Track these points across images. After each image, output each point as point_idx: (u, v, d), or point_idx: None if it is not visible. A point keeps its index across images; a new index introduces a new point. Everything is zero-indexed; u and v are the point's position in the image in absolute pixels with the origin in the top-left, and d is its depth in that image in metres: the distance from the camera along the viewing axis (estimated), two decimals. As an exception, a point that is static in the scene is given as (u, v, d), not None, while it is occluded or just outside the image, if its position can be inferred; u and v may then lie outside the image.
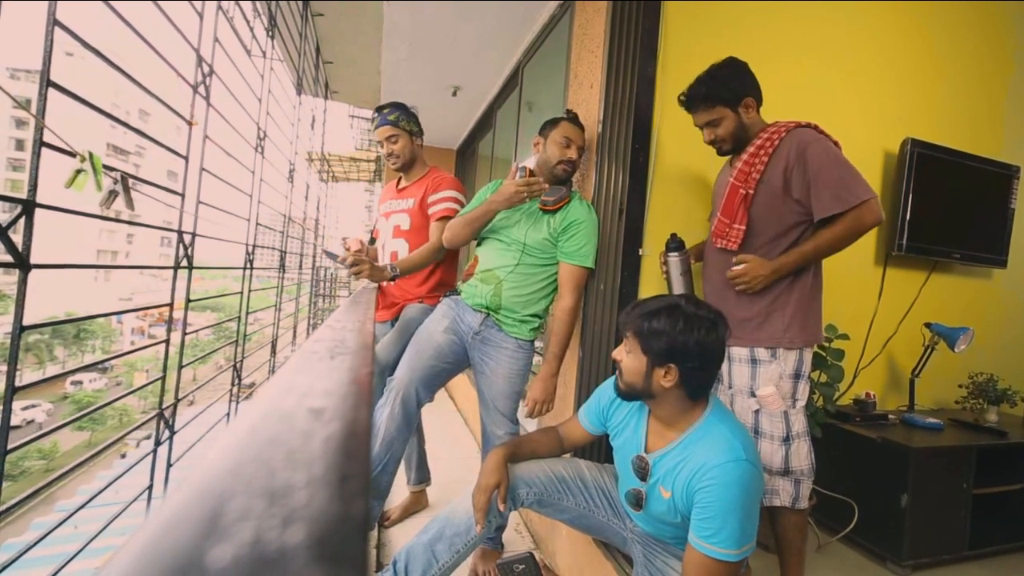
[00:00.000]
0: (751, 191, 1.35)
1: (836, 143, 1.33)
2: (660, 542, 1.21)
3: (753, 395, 1.36)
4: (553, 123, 1.67)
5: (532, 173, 1.62)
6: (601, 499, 1.33)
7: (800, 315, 1.33)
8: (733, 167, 1.42)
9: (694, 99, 1.40)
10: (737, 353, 1.40)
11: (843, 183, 1.25)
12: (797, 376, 1.34)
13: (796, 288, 1.34)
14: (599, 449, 1.66)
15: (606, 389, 1.31)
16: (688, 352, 1.01)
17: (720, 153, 1.46)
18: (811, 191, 1.28)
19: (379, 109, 1.89)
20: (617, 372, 1.14)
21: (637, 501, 1.17)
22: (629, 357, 1.09)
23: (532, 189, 1.50)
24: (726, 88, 1.36)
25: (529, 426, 2.07)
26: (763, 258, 1.33)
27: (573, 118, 1.68)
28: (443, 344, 1.61)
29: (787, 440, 1.33)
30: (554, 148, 1.63)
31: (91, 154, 1.26)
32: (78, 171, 1.24)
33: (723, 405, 1.14)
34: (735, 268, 1.35)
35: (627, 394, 1.13)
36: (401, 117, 1.87)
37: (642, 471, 1.14)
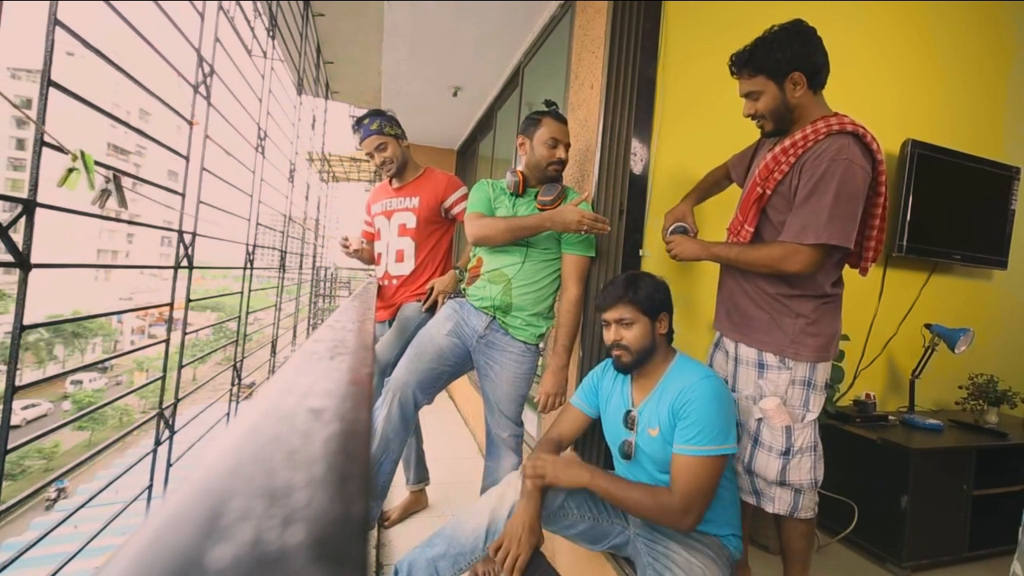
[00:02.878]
0: (768, 191, 1.25)
1: (880, 161, 1.18)
2: (659, 532, 1.21)
3: (757, 402, 1.29)
4: (535, 122, 1.61)
5: (524, 176, 1.63)
6: (605, 503, 1.33)
7: (812, 329, 1.24)
8: (766, 153, 1.31)
9: (737, 63, 1.24)
10: (745, 354, 1.32)
11: (817, 218, 1.14)
12: (809, 384, 1.26)
13: (810, 301, 1.25)
14: (598, 450, 1.66)
15: (594, 370, 1.44)
16: (667, 296, 1.28)
17: (763, 133, 1.31)
18: (795, 208, 1.19)
19: (359, 122, 1.86)
20: (619, 352, 1.25)
21: (627, 451, 1.29)
22: (633, 328, 1.23)
23: (595, 227, 1.45)
24: (769, 56, 1.17)
25: (531, 427, 2.07)
26: (704, 243, 1.39)
27: (555, 113, 1.62)
28: (445, 347, 1.60)
29: (786, 454, 1.26)
30: (542, 149, 1.59)
31: (83, 152, 1.25)
32: (70, 170, 1.24)
33: (685, 354, 1.30)
34: (671, 236, 1.44)
35: (636, 362, 1.25)
36: (384, 124, 1.85)
37: (630, 422, 1.28)
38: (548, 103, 1.66)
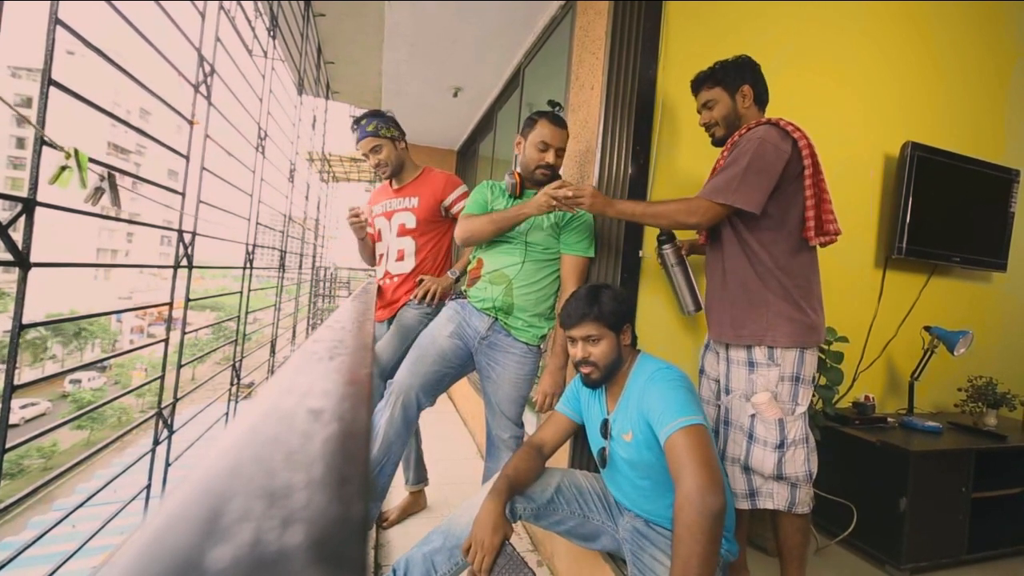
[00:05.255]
0: None
1: (798, 139, 1.29)
2: (646, 539, 1.21)
3: (750, 398, 1.34)
4: (532, 122, 1.59)
5: (521, 177, 1.62)
6: (595, 502, 1.34)
7: (785, 314, 1.30)
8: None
9: (699, 78, 1.44)
10: (735, 354, 1.37)
11: (728, 182, 1.28)
12: (796, 379, 1.32)
13: (780, 289, 1.32)
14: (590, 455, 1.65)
15: (576, 378, 1.41)
16: (629, 307, 1.31)
17: (713, 141, 1.46)
18: (716, 173, 1.33)
19: (356, 122, 1.85)
20: (588, 370, 1.27)
21: (602, 458, 1.31)
22: (600, 344, 1.25)
23: (564, 204, 1.41)
24: (727, 72, 1.40)
25: (531, 428, 2.07)
26: (610, 199, 1.40)
27: (552, 116, 1.58)
28: (447, 349, 1.60)
29: (780, 447, 1.30)
30: (532, 151, 1.57)
31: (76, 151, 1.25)
32: (63, 167, 1.23)
33: (647, 354, 1.32)
34: (574, 188, 1.39)
35: (605, 377, 1.27)
36: (380, 125, 1.83)
37: (604, 430, 1.30)
38: (551, 103, 1.64)
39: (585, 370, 1.27)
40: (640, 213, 1.37)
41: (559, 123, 1.59)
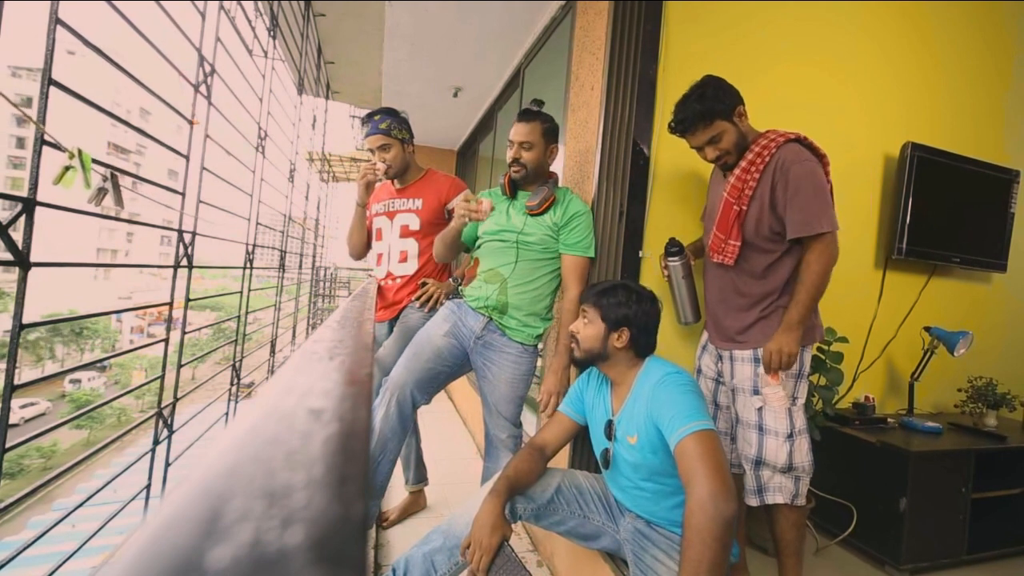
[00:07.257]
0: (744, 208, 1.39)
1: (823, 156, 1.36)
2: (648, 540, 1.21)
3: (756, 392, 1.39)
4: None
5: (512, 179, 1.64)
6: (595, 503, 1.34)
7: None
8: (727, 179, 1.43)
9: (691, 119, 1.38)
10: (740, 353, 1.43)
11: (814, 210, 1.30)
12: (798, 375, 1.39)
13: (788, 293, 1.39)
14: (590, 456, 1.65)
15: (579, 378, 1.45)
16: (637, 318, 1.26)
17: (727, 168, 1.43)
18: (787, 210, 1.33)
19: (369, 116, 1.84)
20: (573, 344, 1.32)
21: (605, 459, 1.31)
22: (588, 326, 1.29)
23: (471, 213, 1.46)
24: (719, 101, 1.36)
25: (530, 428, 2.07)
26: (787, 325, 1.32)
27: (522, 113, 1.61)
28: (443, 347, 1.60)
29: (791, 437, 1.36)
30: (507, 150, 1.63)
31: (80, 151, 1.25)
32: (67, 168, 1.23)
33: (658, 357, 1.31)
34: (765, 363, 1.35)
35: (584, 360, 1.31)
36: (393, 125, 1.83)
37: (608, 431, 1.30)
38: (533, 102, 1.66)
39: (571, 343, 1.33)
40: (809, 301, 1.32)
41: (524, 117, 1.60)
